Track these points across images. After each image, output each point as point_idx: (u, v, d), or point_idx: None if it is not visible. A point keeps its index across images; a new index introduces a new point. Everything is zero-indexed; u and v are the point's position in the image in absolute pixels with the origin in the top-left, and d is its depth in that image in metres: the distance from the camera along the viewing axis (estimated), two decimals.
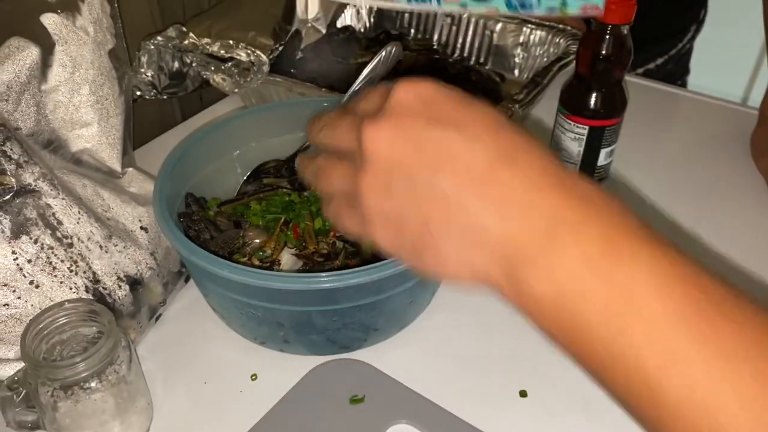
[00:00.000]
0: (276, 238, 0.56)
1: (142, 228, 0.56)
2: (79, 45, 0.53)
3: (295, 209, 0.58)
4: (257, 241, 0.57)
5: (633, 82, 0.92)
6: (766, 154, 0.77)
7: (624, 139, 0.72)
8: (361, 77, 0.62)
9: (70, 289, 0.51)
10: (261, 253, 0.55)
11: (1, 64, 0.48)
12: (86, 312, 0.47)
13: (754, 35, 0.98)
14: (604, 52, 0.66)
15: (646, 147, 0.81)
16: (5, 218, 0.48)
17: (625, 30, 0.65)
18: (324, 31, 0.86)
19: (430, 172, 0.31)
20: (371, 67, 0.62)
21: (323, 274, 0.46)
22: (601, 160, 0.72)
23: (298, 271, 0.54)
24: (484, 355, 0.55)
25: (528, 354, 0.54)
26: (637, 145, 0.79)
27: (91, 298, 0.52)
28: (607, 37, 0.65)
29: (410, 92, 0.33)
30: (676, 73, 1.16)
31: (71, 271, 0.51)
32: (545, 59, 0.87)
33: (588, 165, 0.72)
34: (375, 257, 0.54)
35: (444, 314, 0.58)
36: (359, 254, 0.55)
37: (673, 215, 0.71)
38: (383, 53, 0.62)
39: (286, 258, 0.54)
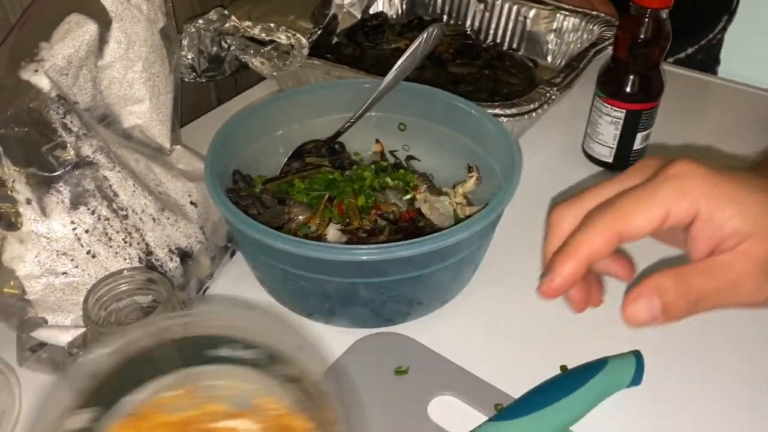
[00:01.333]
0: (321, 214, 0.57)
1: (191, 203, 0.58)
2: (134, 22, 0.55)
3: (338, 186, 0.60)
4: (302, 217, 0.58)
5: (666, 69, 0.92)
6: None
7: (657, 125, 0.73)
8: (404, 56, 0.63)
9: (125, 259, 0.52)
10: (306, 229, 0.57)
11: (62, 40, 0.50)
12: (144, 281, 0.49)
13: None
14: (642, 35, 0.66)
15: (678, 133, 0.82)
16: (65, 189, 0.50)
17: (665, 14, 0.65)
18: (359, 17, 0.87)
19: None
20: (414, 46, 0.63)
21: (372, 246, 0.47)
22: (637, 144, 0.72)
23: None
24: (525, 329, 0.57)
25: (568, 329, 0.55)
26: (669, 131, 0.80)
27: (144, 269, 0.53)
28: (646, 20, 0.66)
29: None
30: (706, 63, 1.15)
31: (126, 243, 0.52)
32: (578, 45, 0.88)
33: (624, 148, 0.73)
34: (417, 233, 0.56)
35: (485, 289, 0.59)
36: (403, 231, 0.57)
37: None
38: (425, 34, 0.63)
39: (332, 233, 0.55)
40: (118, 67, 0.55)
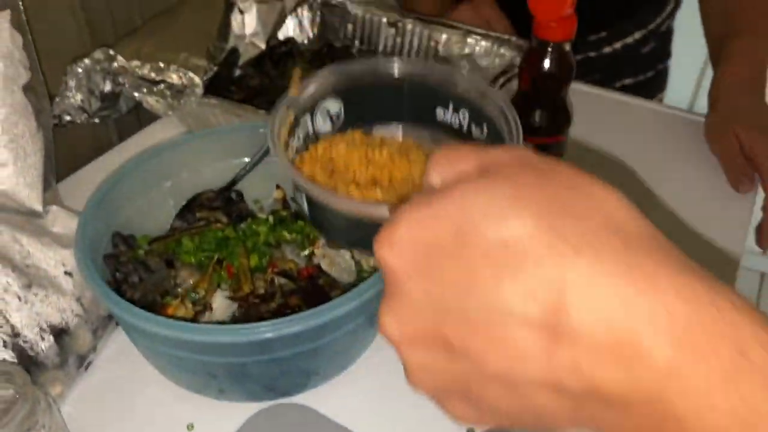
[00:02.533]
0: (209, 278, 0.53)
1: (66, 273, 0.53)
2: None
3: (229, 246, 0.56)
4: (190, 281, 0.54)
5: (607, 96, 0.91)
6: (719, 138, 0.78)
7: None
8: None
9: None
10: (193, 295, 0.52)
11: None
12: None
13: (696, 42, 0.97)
14: (545, 69, 0.64)
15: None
16: None
17: (567, 46, 0.63)
18: (263, 46, 0.83)
19: None
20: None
21: (257, 325, 0.43)
22: None
23: (233, 315, 0.52)
24: None
25: None
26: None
27: (11, 353, 0.48)
28: (549, 52, 0.64)
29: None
30: (659, 54, 1.11)
31: None
32: (492, 71, 0.86)
33: None
34: (316, 293, 0.52)
35: (388, 350, 0.56)
36: (301, 292, 0.53)
37: None
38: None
39: (219, 301, 0.51)
40: None
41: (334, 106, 0.52)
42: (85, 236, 0.51)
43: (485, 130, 0.50)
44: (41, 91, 0.55)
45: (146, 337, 0.47)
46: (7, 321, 0.48)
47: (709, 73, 0.88)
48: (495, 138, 0.48)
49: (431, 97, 0.52)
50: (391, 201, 0.39)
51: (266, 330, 0.43)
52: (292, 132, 0.49)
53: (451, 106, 0.52)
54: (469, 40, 0.87)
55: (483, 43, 0.86)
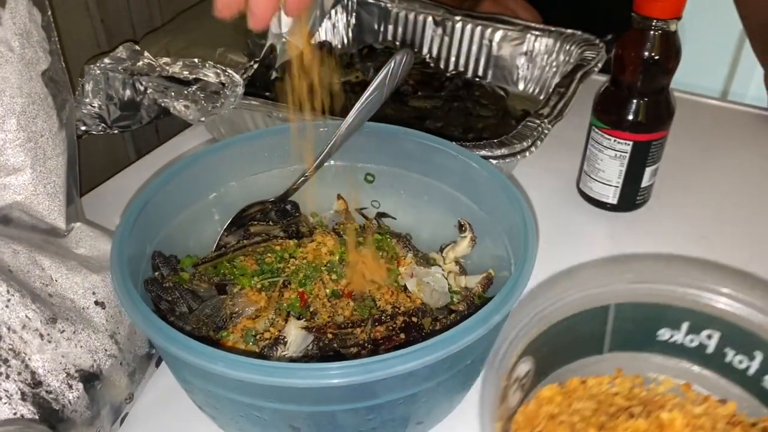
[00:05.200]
0: (274, 307, 0.43)
1: (97, 303, 0.43)
2: (0, 64, 0.40)
3: (296, 265, 0.45)
4: (250, 309, 0.43)
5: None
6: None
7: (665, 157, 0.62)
8: (367, 93, 0.50)
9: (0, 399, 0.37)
10: (251, 332, 0.42)
11: None
12: None
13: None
14: (649, 52, 0.55)
15: (689, 166, 0.71)
16: None
17: (674, 26, 0.55)
18: (302, 46, 0.73)
19: None
20: (380, 79, 0.50)
21: (358, 362, 0.33)
22: (645, 181, 0.61)
23: (308, 348, 0.41)
24: None
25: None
26: (679, 163, 0.69)
27: (30, 408, 0.38)
28: (653, 34, 0.55)
29: None
30: None
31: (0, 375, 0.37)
32: (554, 69, 0.77)
33: (630, 186, 0.61)
34: (407, 322, 0.42)
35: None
36: (384, 320, 0.43)
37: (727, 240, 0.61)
38: (392, 63, 0.50)
39: (294, 333, 0.41)
40: None
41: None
42: (123, 256, 0.40)
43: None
44: (63, 81, 0.45)
45: (208, 381, 0.36)
46: (27, 366, 0.38)
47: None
48: None
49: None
50: None
51: (368, 368, 0.33)
52: None
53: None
54: (528, 36, 0.78)
55: (544, 39, 0.77)
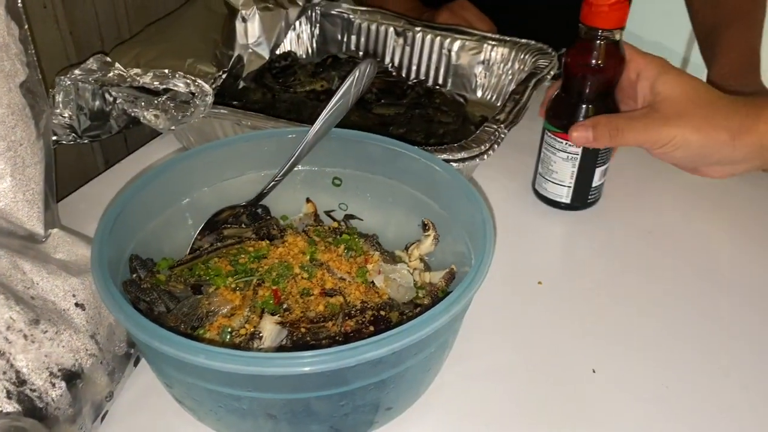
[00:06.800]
0: (249, 305, 0.45)
1: (77, 305, 0.44)
2: None
3: (269, 265, 0.48)
4: (226, 308, 0.46)
5: None
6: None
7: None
8: (333, 101, 0.53)
9: None
10: (227, 330, 0.44)
11: None
12: None
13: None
14: (595, 60, 0.59)
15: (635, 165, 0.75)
16: None
17: (618, 35, 0.59)
18: (267, 57, 0.76)
19: None
20: (345, 87, 0.52)
21: (331, 350, 0.35)
22: (596, 181, 0.65)
23: (283, 342, 0.44)
24: (509, 410, 0.46)
25: (556, 403, 0.46)
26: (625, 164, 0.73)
27: (16, 405, 0.39)
28: (599, 44, 0.59)
29: None
30: None
31: None
32: (510, 77, 0.81)
33: (582, 186, 0.65)
34: (375, 315, 0.45)
35: (456, 369, 0.49)
36: (354, 314, 0.45)
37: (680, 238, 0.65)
38: (357, 73, 0.53)
39: (269, 328, 0.43)
40: None
41: None
42: (103, 259, 0.42)
43: None
44: (40, 91, 0.47)
45: (189, 374, 0.38)
46: (12, 366, 0.39)
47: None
48: None
49: None
50: None
51: (342, 355, 0.35)
52: None
53: None
54: (485, 45, 0.82)
55: (500, 49, 0.81)
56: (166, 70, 0.62)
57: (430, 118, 0.76)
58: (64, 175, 0.75)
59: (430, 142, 0.72)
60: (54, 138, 0.67)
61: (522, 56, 0.79)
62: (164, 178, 0.51)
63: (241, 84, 0.76)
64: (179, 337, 0.36)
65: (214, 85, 0.64)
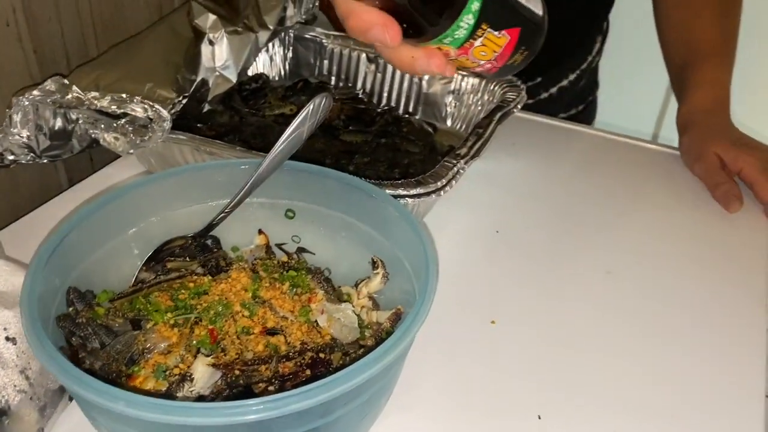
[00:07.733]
0: (185, 343, 0.44)
1: (8, 339, 0.43)
2: None
3: (208, 302, 0.47)
4: (162, 345, 0.45)
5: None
6: (698, 158, 0.79)
7: (539, 186, 0.66)
8: (286, 133, 0.52)
9: None
10: (162, 368, 0.43)
11: None
12: None
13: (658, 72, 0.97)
14: None
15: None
16: None
17: None
18: (234, 80, 0.75)
19: None
20: (298, 121, 0.52)
21: (252, 402, 0.34)
22: None
23: (218, 384, 0.43)
24: None
25: None
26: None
27: None
28: None
29: None
30: (589, 87, 1.13)
31: None
32: (479, 107, 0.80)
33: None
34: (318, 359, 0.44)
35: (399, 416, 0.48)
36: (292, 356, 0.44)
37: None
38: (311, 106, 0.52)
39: (201, 370, 0.42)
40: None
41: None
42: (33, 293, 0.41)
43: None
44: None
45: (112, 419, 0.37)
46: None
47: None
48: None
49: None
50: None
51: (263, 408, 0.35)
52: None
53: None
54: (455, 75, 0.82)
55: (470, 79, 0.81)
56: (124, 95, 0.62)
57: (396, 147, 0.75)
58: (24, 192, 0.74)
59: (395, 172, 0.71)
60: (11, 157, 0.66)
61: (491, 87, 0.79)
62: (109, 207, 0.50)
63: (207, 107, 0.75)
64: (100, 383, 0.35)
65: (173, 111, 0.63)
